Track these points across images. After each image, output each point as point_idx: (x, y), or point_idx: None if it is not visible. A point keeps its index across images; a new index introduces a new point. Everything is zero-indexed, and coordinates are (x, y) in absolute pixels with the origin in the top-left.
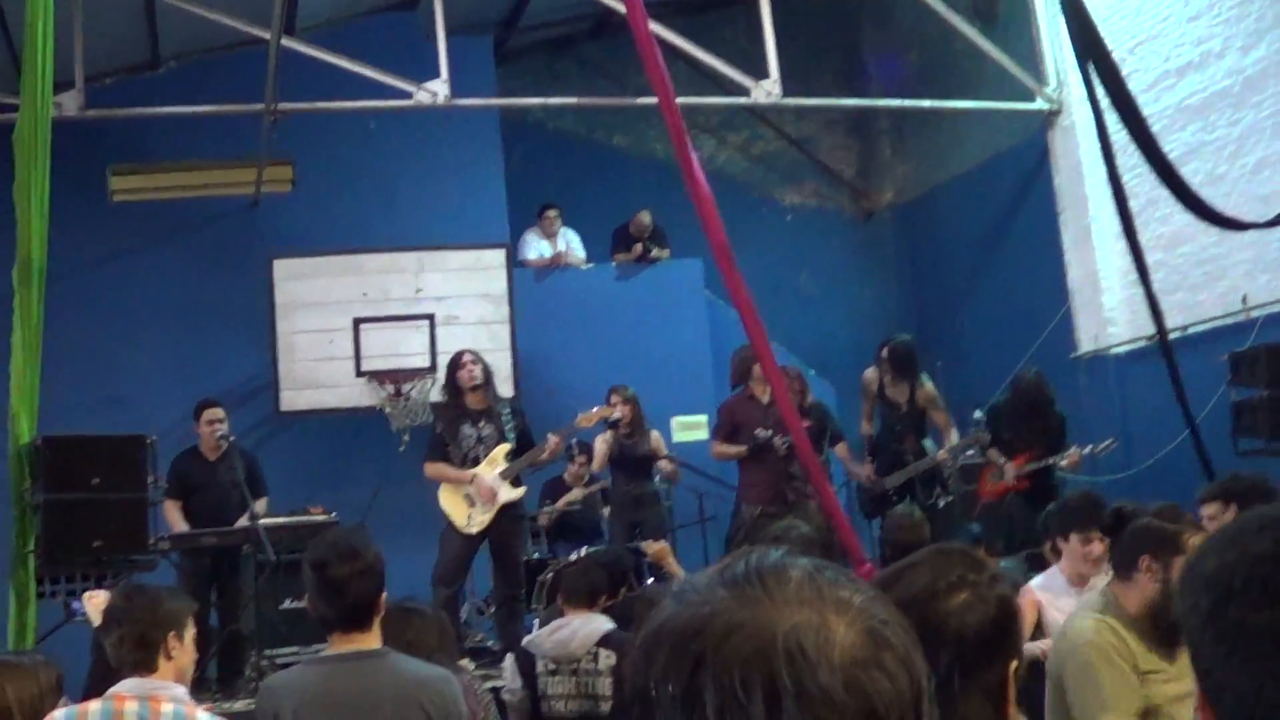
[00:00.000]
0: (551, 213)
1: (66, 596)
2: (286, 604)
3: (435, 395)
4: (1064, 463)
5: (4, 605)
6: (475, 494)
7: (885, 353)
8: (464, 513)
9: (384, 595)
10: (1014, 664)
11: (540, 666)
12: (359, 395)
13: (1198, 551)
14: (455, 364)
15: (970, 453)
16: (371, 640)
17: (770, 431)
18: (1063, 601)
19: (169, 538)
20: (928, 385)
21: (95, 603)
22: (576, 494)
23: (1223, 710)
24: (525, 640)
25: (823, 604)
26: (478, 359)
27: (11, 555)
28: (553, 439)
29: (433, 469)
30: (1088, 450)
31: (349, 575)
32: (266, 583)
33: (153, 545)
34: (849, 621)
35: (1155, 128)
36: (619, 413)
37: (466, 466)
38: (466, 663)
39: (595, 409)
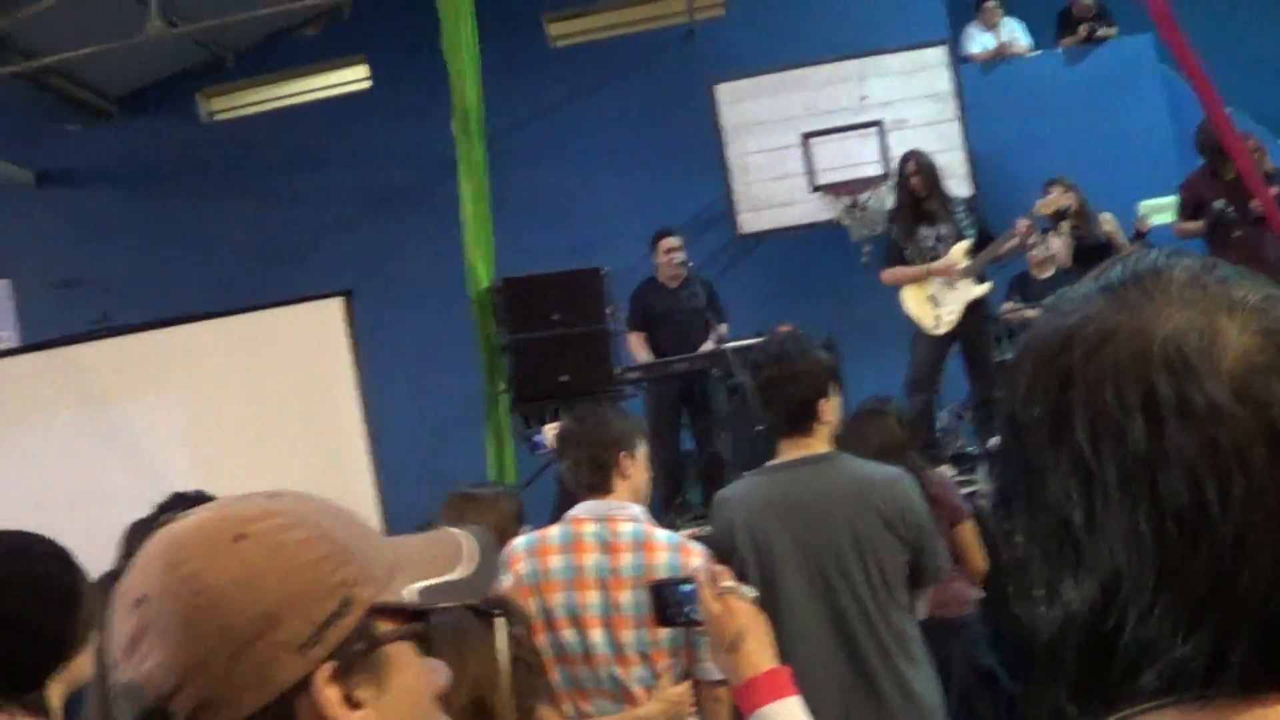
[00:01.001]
0: (990, 3)
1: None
2: (761, 426)
3: (891, 202)
4: None
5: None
6: (937, 290)
7: None
8: (930, 314)
9: (827, 400)
10: None
11: None
12: (815, 210)
13: None
14: (901, 173)
15: None
16: (817, 444)
17: (1227, 203)
18: None
19: (636, 367)
20: None
21: (553, 432)
22: (1012, 307)
23: None
24: (990, 442)
25: (1210, 304)
26: (918, 167)
27: (485, 398)
28: (1022, 223)
29: (890, 273)
30: None
31: (780, 378)
32: (738, 405)
33: (619, 375)
34: (1242, 323)
35: None
36: (1068, 200)
37: None
38: (946, 468)
39: (1051, 195)
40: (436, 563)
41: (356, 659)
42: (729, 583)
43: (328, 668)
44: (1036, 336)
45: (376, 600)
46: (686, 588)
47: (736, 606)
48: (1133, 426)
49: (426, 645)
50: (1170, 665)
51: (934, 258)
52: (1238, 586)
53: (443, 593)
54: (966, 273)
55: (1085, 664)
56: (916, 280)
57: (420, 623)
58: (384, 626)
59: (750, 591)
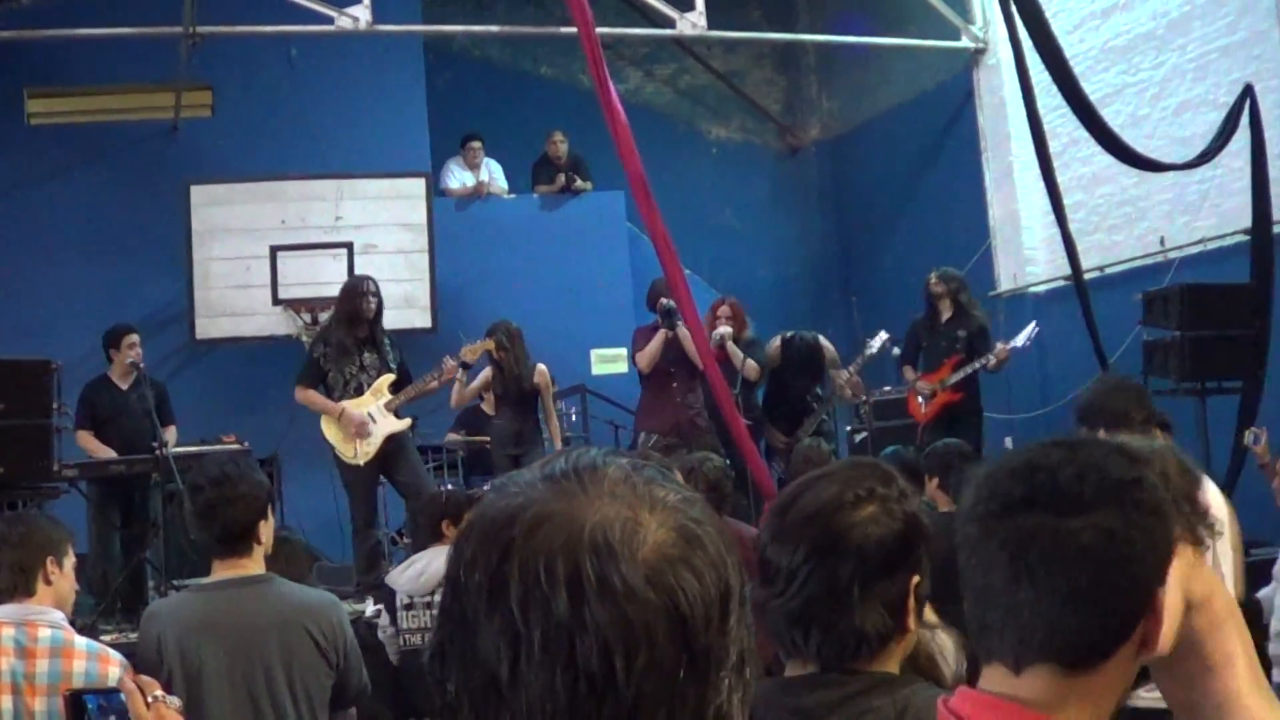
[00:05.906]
0: (475, 144)
1: None
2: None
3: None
4: (991, 362)
5: None
6: (345, 427)
7: (783, 346)
8: (349, 445)
9: (265, 522)
10: (916, 579)
11: (398, 601)
12: (275, 324)
13: None
14: (357, 292)
15: (887, 389)
16: (252, 565)
17: (672, 303)
18: None
19: (75, 465)
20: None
21: None
22: (456, 438)
23: None
24: (387, 577)
25: (636, 500)
26: (378, 291)
27: None
28: (449, 363)
29: (303, 395)
30: (1016, 342)
31: (220, 500)
32: (175, 512)
33: (58, 473)
34: (661, 519)
35: (1080, 68)
36: (486, 348)
37: (349, 396)
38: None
39: (478, 342)
40: None
41: None
42: (159, 691)
43: None
44: (484, 512)
45: None
46: (110, 696)
47: (167, 715)
48: (558, 600)
49: None
50: None
51: (359, 385)
52: None
53: None
54: (387, 407)
55: None
56: (330, 414)
57: None
58: None
59: (176, 700)
